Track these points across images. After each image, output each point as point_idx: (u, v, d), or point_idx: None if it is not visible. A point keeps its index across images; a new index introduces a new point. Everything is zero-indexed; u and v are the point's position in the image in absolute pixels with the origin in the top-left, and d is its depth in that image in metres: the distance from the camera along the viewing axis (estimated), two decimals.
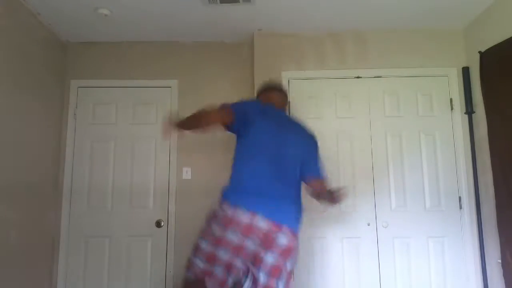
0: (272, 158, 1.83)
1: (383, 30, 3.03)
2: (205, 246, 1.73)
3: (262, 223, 1.69)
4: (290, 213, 1.80)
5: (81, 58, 3.23)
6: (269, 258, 1.68)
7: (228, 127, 1.90)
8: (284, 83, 2.94)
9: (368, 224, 2.83)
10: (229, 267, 1.69)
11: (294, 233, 1.77)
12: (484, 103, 2.68)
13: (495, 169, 2.54)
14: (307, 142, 2.05)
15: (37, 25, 2.80)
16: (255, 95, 2.35)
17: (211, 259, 1.70)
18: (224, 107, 1.88)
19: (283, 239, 1.71)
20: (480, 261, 2.73)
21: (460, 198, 2.84)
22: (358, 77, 3.00)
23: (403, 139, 2.93)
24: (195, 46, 3.26)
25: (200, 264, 1.72)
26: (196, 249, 1.76)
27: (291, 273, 1.76)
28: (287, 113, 2.45)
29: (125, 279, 2.96)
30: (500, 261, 2.50)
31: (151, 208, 3.04)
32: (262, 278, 1.66)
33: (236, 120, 1.85)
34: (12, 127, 2.49)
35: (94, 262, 2.98)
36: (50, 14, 2.76)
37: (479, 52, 2.69)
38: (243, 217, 1.69)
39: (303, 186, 1.99)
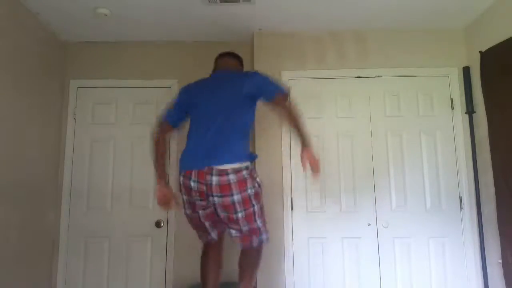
0: (200, 119, 2.08)
1: (383, 30, 3.02)
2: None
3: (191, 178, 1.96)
4: (216, 156, 1.92)
5: (80, 58, 3.22)
6: (216, 200, 1.91)
7: (178, 128, 2.24)
8: (285, 82, 2.94)
9: (369, 224, 2.82)
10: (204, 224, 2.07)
11: (224, 169, 1.89)
12: (484, 103, 2.68)
13: (495, 169, 2.54)
14: (231, 86, 2.10)
15: (36, 25, 2.79)
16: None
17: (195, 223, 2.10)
18: (159, 123, 2.21)
19: (214, 179, 1.89)
20: (481, 261, 2.72)
21: (460, 198, 2.83)
22: (358, 77, 3.00)
23: (403, 139, 2.92)
24: (195, 46, 3.25)
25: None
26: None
27: (249, 201, 1.93)
28: (238, 72, 2.33)
29: (125, 279, 2.96)
30: (500, 261, 2.49)
31: (151, 208, 3.04)
32: (222, 215, 1.96)
33: (177, 117, 2.20)
34: (11, 127, 2.48)
35: (93, 263, 2.98)
36: (49, 14, 2.75)
37: (480, 51, 2.68)
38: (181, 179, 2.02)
39: None
